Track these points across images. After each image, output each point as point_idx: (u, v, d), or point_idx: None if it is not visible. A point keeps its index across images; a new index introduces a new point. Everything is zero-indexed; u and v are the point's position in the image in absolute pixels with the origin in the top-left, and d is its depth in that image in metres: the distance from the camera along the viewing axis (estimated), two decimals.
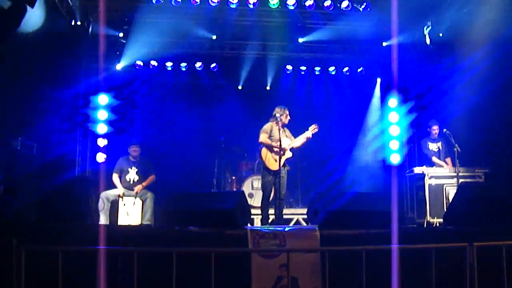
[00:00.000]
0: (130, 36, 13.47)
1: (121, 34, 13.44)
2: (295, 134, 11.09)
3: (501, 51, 10.43)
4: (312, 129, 10.91)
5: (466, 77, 11.44)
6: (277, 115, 10.71)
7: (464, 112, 11.47)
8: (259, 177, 12.81)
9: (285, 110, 10.91)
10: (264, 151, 10.71)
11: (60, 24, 12.01)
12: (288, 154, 10.75)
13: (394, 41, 12.92)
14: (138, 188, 11.20)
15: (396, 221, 6.33)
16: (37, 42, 10.59)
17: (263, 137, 10.67)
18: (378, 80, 15.07)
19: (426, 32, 13.08)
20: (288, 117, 10.93)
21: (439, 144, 11.87)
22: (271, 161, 10.61)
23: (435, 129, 11.84)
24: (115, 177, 11.40)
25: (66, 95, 12.21)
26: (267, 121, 11.04)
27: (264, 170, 10.73)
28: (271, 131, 10.74)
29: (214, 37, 13.85)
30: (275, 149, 10.55)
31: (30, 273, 4.70)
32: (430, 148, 11.89)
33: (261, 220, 10.66)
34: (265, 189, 10.70)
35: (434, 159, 11.73)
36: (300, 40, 14.15)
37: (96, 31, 12.65)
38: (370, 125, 14.78)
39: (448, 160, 11.66)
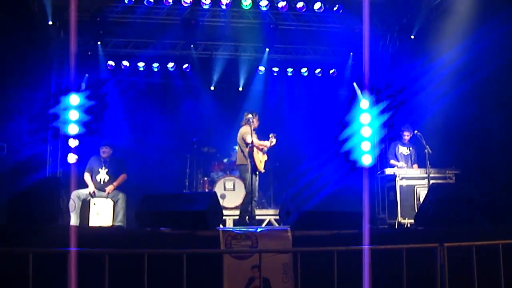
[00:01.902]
0: (102, 35, 13.40)
1: (93, 33, 13.33)
2: (268, 134, 11.34)
3: (471, 53, 10.53)
4: (271, 142, 11.25)
5: (437, 78, 11.53)
6: (250, 119, 10.99)
7: (435, 113, 11.57)
8: (232, 177, 12.96)
9: (256, 114, 11.23)
10: (255, 151, 10.94)
11: (31, 23, 11.92)
12: (265, 157, 11.23)
13: (365, 42, 12.98)
14: (109, 188, 11.12)
15: (368, 222, 6.36)
16: (7, 42, 10.49)
17: (254, 139, 10.89)
18: (355, 84, 15.09)
19: (396, 34, 13.21)
20: (258, 121, 11.25)
21: (410, 148, 11.94)
22: (258, 162, 10.96)
23: (406, 134, 11.90)
24: (87, 176, 11.30)
25: (37, 96, 12.10)
26: (239, 122, 11.17)
27: (252, 171, 10.91)
28: (250, 133, 10.90)
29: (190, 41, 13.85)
30: (261, 151, 11.05)
31: (0, 276, 4.64)
32: (400, 152, 11.95)
33: (249, 220, 10.77)
34: (253, 190, 10.87)
35: (393, 162, 11.83)
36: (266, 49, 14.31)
37: (67, 30, 12.55)
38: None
39: (415, 166, 11.74)
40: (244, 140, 11.06)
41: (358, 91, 14.55)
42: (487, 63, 10.21)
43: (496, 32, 9.85)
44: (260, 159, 11.11)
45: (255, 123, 11.14)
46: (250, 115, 11.10)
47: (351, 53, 14.53)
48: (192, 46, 14.16)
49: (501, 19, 9.76)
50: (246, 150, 10.99)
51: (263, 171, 11.22)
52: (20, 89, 11.24)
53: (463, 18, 11.06)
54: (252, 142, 10.85)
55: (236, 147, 11.67)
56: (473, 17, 10.74)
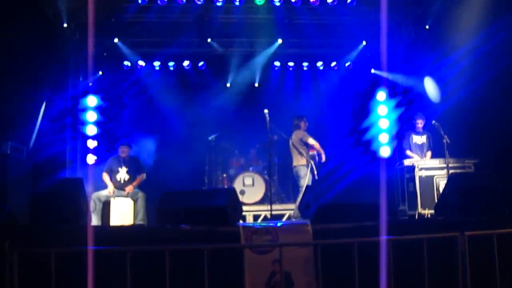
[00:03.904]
0: (117, 36, 13.47)
1: (108, 35, 13.40)
2: (287, 129, 12.31)
3: (491, 43, 10.46)
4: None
5: (455, 70, 11.47)
6: (300, 123, 12.08)
7: (453, 104, 11.51)
8: (251, 173, 13.03)
9: (304, 117, 12.20)
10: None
11: (46, 26, 12.00)
12: None
13: (383, 33, 12.94)
14: (129, 188, 11.17)
15: (385, 213, 6.33)
16: (24, 45, 10.58)
17: (313, 140, 11.90)
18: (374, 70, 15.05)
19: (412, 25, 13.16)
20: (306, 124, 12.20)
21: (424, 137, 11.90)
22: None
23: (419, 122, 11.88)
24: (105, 176, 11.35)
25: (55, 97, 12.19)
26: (256, 118, 11.39)
27: (311, 170, 11.83)
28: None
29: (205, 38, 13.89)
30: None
31: (23, 276, 4.69)
32: (414, 141, 11.92)
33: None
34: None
35: (408, 152, 11.82)
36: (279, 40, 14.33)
37: (83, 33, 12.64)
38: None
39: (428, 154, 11.71)
40: (305, 142, 11.83)
41: (383, 74, 14.56)
42: (506, 54, 10.15)
43: None
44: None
45: (306, 125, 12.07)
46: (301, 120, 12.09)
47: (364, 42, 14.45)
48: (207, 43, 14.19)
49: None
50: (305, 151, 11.82)
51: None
52: (38, 91, 11.33)
53: (480, 6, 10.97)
54: (313, 144, 11.81)
55: (291, 150, 12.15)
56: (491, 5, 10.66)
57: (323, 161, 11.86)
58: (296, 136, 12.01)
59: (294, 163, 12.06)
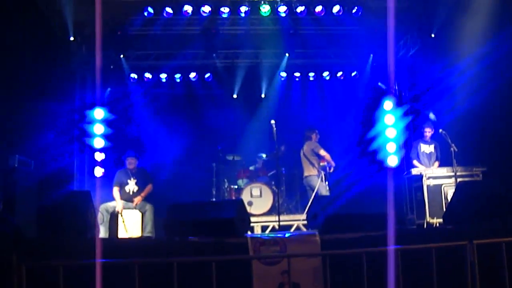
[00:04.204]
0: (123, 49, 13.52)
1: (114, 47, 13.44)
2: (293, 140, 12.65)
3: (499, 52, 10.45)
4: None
5: (462, 79, 11.45)
6: (312, 134, 12.47)
7: (461, 112, 11.47)
8: (258, 184, 13.04)
9: (315, 130, 12.57)
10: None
11: (53, 40, 12.06)
12: None
13: (390, 43, 12.94)
14: (137, 199, 11.19)
15: (393, 222, 6.32)
16: (31, 59, 10.63)
17: (325, 152, 12.25)
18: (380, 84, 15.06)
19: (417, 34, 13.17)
20: (318, 136, 12.56)
21: (432, 146, 11.88)
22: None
23: (427, 131, 11.87)
24: (115, 191, 11.36)
25: (62, 110, 12.23)
26: (263, 129, 11.47)
27: (323, 179, 12.15)
28: None
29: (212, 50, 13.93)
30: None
31: None
32: (422, 150, 11.89)
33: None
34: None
35: (415, 162, 11.80)
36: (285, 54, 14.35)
37: (90, 46, 12.69)
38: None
39: (436, 163, 11.69)
40: (316, 153, 12.19)
41: (384, 87, 14.58)
42: None
43: None
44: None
45: (317, 136, 12.50)
46: (312, 132, 12.49)
47: (372, 55, 14.50)
48: (213, 55, 14.23)
49: None
50: (316, 161, 12.21)
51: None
52: (45, 105, 11.36)
53: (486, 15, 10.97)
54: (325, 155, 12.14)
55: (302, 160, 12.49)
56: (498, 14, 10.65)
57: (330, 171, 11.98)
58: (308, 146, 12.27)
59: (306, 173, 12.28)
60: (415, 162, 11.77)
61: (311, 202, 10.04)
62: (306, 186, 12.28)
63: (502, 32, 10.32)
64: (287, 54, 14.43)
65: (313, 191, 11.97)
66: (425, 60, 13.50)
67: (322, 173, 12.08)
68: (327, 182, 12.12)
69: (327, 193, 11.93)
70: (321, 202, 7.70)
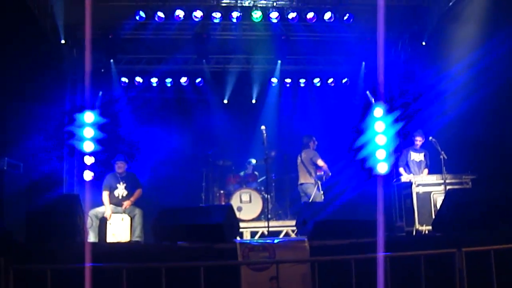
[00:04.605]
0: (114, 52, 13.49)
1: (105, 51, 13.41)
2: (284, 146, 12.79)
3: (489, 58, 10.50)
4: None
5: (453, 86, 11.51)
6: (310, 142, 12.46)
7: (450, 120, 11.51)
8: (248, 190, 13.04)
9: (313, 137, 12.56)
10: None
11: (44, 43, 12.03)
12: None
13: (380, 50, 12.97)
14: (126, 203, 11.15)
15: (382, 230, 6.33)
16: (21, 61, 10.59)
17: (322, 162, 12.24)
18: (368, 93, 15.08)
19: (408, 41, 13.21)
20: (316, 142, 12.56)
21: (422, 155, 11.89)
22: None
23: (418, 139, 11.88)
24: (105, 197, 11.31)
25: (52, 113, 12.18)
26: (253, 135, 11.61)
27: (318, 188, 12.20)
28: None
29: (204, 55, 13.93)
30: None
31: None
32: (412, 158, 11.90)
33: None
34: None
35: (401, 170, 11.82)
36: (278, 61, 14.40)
37: (80, 49, 12.67)
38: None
39: (425, 171, 11.71)
40: (314, 162, 12.18)
41: (372, 100, 14.59)
42: (503, 70, 10.18)
43: None
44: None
45: (315, 144, 12.50)
46: (310, 140, 12.50)
47: (363, 63, 14.54)
48: (204, 60, 14.23)
49: None
50: (313, 170, 12.23)
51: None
52: (35, 108, 11.32)
53: (475, 23, 11.03)
54: (322, 166, 12.15)
55: (299, 167, 12.50)
56: (487, 21, 10.71)
57: (323, 179, 12.16)
58: (306, 155, 12.30)
59: (302, 181, 12.32)
60: (401, 170, 11.79)
61: (301, 208, 10.06)
62: (301, 192, 12.30)
63: (492, 39, 10.38)
64: (279, 62, 14.44)
65: (309, 198, 11.98)
66: (417, 67, 13.56)
67: (319, 182, 12.17)
68: (322, 192, 12.19)
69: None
70: (310, 208, 7.71)
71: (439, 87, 12.07)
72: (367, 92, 14.77)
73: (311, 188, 12.07)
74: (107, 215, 11.04)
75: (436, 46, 12.60)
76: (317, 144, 12.47)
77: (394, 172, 13.15)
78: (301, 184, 12.32)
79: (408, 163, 11.85)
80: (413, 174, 11.62)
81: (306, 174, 12.26)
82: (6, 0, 10.33)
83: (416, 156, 11.89)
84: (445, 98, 11.85)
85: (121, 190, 11.40)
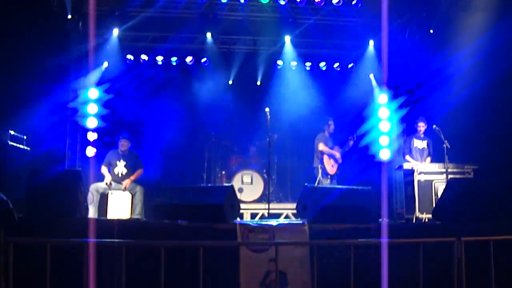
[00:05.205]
0: (121, 29, 13.45)
1: (111, 27, 13.37)
2: (287, 128, 12.75)
3: (491, 47, 10.46)
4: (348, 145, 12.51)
5: (457, 73, 11.46)
6: (325, 126, 12.46)
7: (454, 108, 11.47)
8: (249, 171, 13.04)
9: (331, 119, 12.54)
10: (325, 158, 12.34)
11: (51, 18, 11.99)
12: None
13: (384, 36, 12.93)
14: (126, 182, 11.17)
15: (386, 216, 6.35)
16: (27, 36, 10.57)
17: (323, 147, 12.33)
18: (371, 76, 15.05)
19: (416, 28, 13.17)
20: (332, 126, 12.56)
21: (425, 142, 11.85)
22: (329, 167, 12.33)
23: (420, 125, 11.81)
24: (104, 169, 11.38)
25: (56, 89, 12.16)
26: (257, 116, 11.44)
27: (323, 174, 12.27)
28: (326, 140, 12.47)
29: (208, 34, 13.85)
30: (335, 157, 12.37)
31: (18, 267, 4.67)
32: (415, 145, 11.86)
33: None
34: None
35: (407, 157, 11.77)
36: (286, 38, 14.22)
37: (86, 24, 12.61)
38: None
39: (428, 159, 11.68)
40: (316, 146, 12.36)
41: (374, 83, 14.59)
42: (506, 58, 10.15)
43: None
44: (332, 163, 12.38)
45: (331, 127, 12.56)
46: (325, 123, 12.60)
47: (370, 48, 14.46)
48: (210, 39, 14.18)
49: None
50: (318, 155, 12.33)
51: (333, 173, 12.45)
52: (40, 83, 11.31)
53: (483, 11, 10.97)
54: (321, 150, 12.26)
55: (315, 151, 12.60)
56: (494, 9, 10.66)
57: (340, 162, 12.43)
58: (316, 138, 12.51)
59: (314, 164, 12.53)
60: (407, 157, 11.75)
61: (302, 192, 10.06)
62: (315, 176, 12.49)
63: (498, 25, 10.36)
64: (287, 38, 14.34)
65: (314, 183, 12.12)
66: (423, 54, 13.47)
67: (320, 169, 12.29)
68: (328, 177, 12.30)
69: None
70: (312, 193, 7.70)
71: (444, 74, 12.02)
72: (371, 75, 14.76)
73: (317, 172, 12.20)
74: (107, 180, 11.11)
75: (444, 34, 12.52)
76: (333, 128, 12.52)
77: (396, 159, 13.17)
78: (314, 168, 12.50)
79: (411, 151, 11.82)
80: (416, 162, 11.61)
81: (315, 158, 12.45)
82: None
83: (419, 144, 11.85)
84: (449, 85, 11.80)
85: (120, 168, 11.41)
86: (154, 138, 13.96)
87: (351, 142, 12.24)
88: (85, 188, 8.06)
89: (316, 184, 11.94)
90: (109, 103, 13.29)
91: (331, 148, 12.38)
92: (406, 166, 11.39)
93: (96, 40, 12.57)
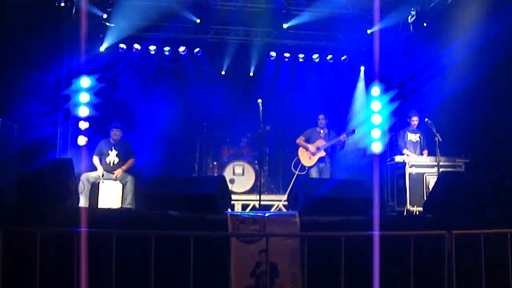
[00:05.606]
0: (114, 18, 13.38)
1: (104, 16, 13.30)
2: (279, 120, 12.60)
3: (483, 40, 10.47)
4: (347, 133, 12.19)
5: (448, 65, 11.46)
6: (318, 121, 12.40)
7: (446, 101, 11.48)
8: (241, 162, 13.07)
9: (320, 115, 12.40)
10: (301, 150, 12.27)
11: (43, 5, 11.92)
12: (321, 154, 12.09)
13: (376, 29, 12.94)
14: (117, 172, 11.17)
15: (378, 208, 6.34)
16: (19, 23, 10.51)
17: (300, 140, 12.32)
18: (362, 68, 15.09)
19: (410, 21, 13.11)
20: (322, 120, 12.36)
21: (418, 135, 11.88)
22: (304, 159, 12.14)
23: (414, 120, 11.84)
24: (95, 159, 11.39)
25: (48, 77, 12.11)
26: (250, 107, 11.59)
27: (295, 166, 12.21)
28: (310, 134, 12.38)
29: (198, 21, 13.75)
30: (308, 150, 12.16)
31: (8, 256, 4.64)
32: (409, 139, 11.88)
33: None
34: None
35: (405, 151, 11.76)
36: (285, 26, 14.09)
37: (79, 12, 12.55)
38: (354, 113, 14.81)
39: (425, 152, 11.70)
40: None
41: (362, 75, 14.65)
42: (499, 50, 10.16)
43: (510, 17, 9.77)
44: (309, 155, 12.10)
45: (321, 122, 12.34)
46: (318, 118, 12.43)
47: (363, 40, 14.45)
48: (203, 29, 14.14)
49: None
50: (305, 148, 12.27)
51: (309, 165, 12.12)
52: (32, 71, 11.26)
53: (476, 3, 10.97)
54: (297, 143, 12.26)
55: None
56: (486, 2, 10.66)
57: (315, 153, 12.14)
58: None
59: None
60: (405, 151, 11.74)
61: (294, 184, 10.07)
62: None
63: (488, 18, 10.39)
64: (284, 26, 14.29)
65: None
66: (415, 47, 13.48)
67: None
68: (317, 169, 12.14)
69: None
70: (303, 184, 7.70)
71: (435, 66, 12.02)
72: (361, 67, 14.80)
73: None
74: (99, 173, 11.08)
75: (437, 27, 12.52)
76: (324, 123, 12.36)
77: (387, 152, 13.19)
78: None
79: (406, 144, 11.83)
80: (413, 155, 11.63)
81: None
82: None
83: (413, 137, 11.88)
84: (440, 78, 11.80)
85: (112, 157, 11.41)
86: (146, 128, 13.93)
87: (342, 137, 12.04)
88: (75, 177, 8.02)
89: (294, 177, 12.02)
90: (101, 92, 13.25)
91: (314, 141, 12.20)
92: (397, 158, 11.40)
93: (89, 28, 12.50)
